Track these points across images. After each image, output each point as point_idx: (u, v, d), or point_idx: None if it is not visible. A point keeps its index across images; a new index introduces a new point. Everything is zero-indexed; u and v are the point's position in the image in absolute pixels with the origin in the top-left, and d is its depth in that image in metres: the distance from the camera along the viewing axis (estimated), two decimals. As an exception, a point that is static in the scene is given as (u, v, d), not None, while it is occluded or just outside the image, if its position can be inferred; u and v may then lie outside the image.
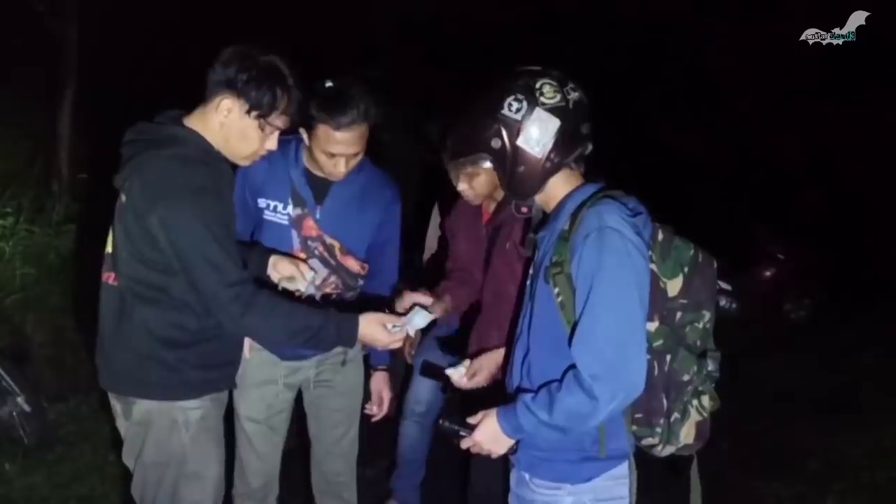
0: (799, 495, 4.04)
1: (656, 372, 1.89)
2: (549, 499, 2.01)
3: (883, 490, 4.02)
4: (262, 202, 2.63)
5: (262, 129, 2.18)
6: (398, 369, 4.11)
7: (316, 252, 2.66)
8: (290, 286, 2.47)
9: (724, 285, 2.03)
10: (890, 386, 5.00)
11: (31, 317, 4.81)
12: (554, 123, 1.90)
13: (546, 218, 2.03)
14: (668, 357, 1.90)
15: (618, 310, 1.81)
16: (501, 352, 2.50)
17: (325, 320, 2.19)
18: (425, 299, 2.56)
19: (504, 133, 1.92)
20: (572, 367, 1.85)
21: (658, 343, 1.89)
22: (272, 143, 2.25)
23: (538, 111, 1.90)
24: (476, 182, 2.63)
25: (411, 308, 2.39)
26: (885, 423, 4.64)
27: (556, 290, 1.89)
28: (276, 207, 2.63)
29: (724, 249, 2.07)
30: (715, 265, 1.97)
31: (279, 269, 2.48)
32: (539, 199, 2.01)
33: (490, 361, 2.54)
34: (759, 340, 5.63)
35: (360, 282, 2.76)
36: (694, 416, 1.94)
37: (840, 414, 4.76)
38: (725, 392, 2.00)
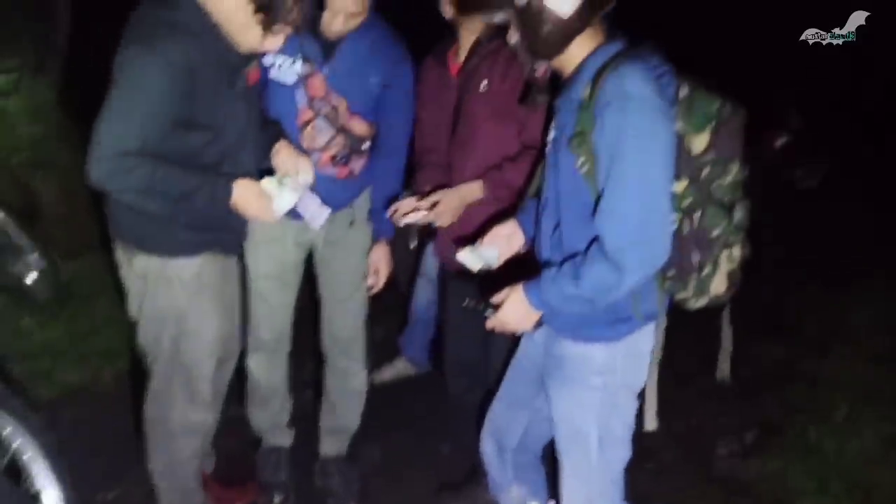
0: (797, 356, 4.12)
1: (686, 231, 1.90)
2: (580, 355, 2.05)
3: (885, 357, 4.06)
4: (268, 58, 2.56)
5: (263, 28, 2.12)
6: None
7: (322, 111, 2.62)
8: (285, 185, 2.32)
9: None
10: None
11: (39, 175, 4.76)
12: None
13: (561, 83, 1.96)
14: (697, 214, 1.90)
15: (642, 180, 1.78)
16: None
17: (203, 181, 2.16)
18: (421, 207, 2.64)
19: None
20: (597, 238, 1.84)
21: (686, 202, 1.89)
22: (271, 46, 2.20)
23: None
24: None
25: None
26: (889, 291, 4.68)
27: (581, 159, 1.85)
28: (282, 65, 2.57)
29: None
30: (742, 115, 1.91)
31: (281, 160, 2.44)
32: (555, 62, 1.93)
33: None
34: (764, 207, 5.60)
35: (366, 144, 2.73)
36: (725, 267, 1.96)
37: (843, 282, 4.79)
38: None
